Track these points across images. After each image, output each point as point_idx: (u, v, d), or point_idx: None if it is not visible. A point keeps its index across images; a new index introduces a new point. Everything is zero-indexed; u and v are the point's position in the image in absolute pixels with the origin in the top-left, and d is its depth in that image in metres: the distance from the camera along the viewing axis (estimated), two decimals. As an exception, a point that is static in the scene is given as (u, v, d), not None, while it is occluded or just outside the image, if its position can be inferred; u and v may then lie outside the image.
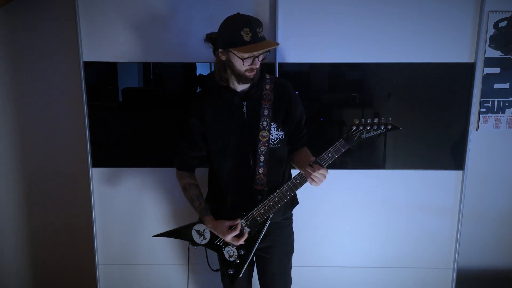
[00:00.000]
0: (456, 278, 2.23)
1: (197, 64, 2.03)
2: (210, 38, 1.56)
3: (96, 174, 2.13)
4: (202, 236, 1.73)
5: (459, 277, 2.28)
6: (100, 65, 2.01)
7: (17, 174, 2.33)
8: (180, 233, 1.79)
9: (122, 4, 1.95)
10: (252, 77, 1.54)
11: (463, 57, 2.00)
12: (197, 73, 2.06)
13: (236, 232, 1.60)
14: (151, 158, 2.12)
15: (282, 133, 1.65)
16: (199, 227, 1.73)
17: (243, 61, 1.49)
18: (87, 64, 2.00)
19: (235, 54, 1.49)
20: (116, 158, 2.12)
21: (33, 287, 2.50)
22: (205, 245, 1.75)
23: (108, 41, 1.98)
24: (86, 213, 2.25)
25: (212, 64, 2.04)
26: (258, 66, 1.53)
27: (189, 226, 1.75)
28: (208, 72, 2.05)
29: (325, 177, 1.52)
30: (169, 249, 2.23)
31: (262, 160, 1.61)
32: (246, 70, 1.52)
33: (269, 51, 1.54)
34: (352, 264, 2.25)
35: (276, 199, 1.58)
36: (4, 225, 2.40)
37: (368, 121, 1.50)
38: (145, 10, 1.95)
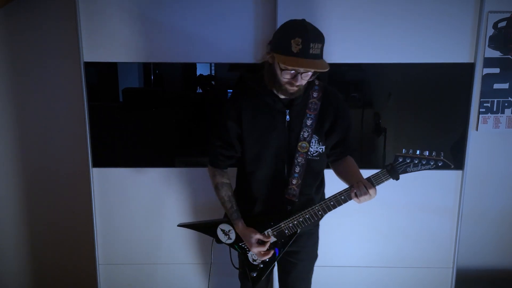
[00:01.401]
0: (455, 278, 2.24)
1: (197, 64, 2.04)
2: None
3: (97, 174, 2.13)
4: (227, 236, 1.71)
5: (458, 277, 2.28)
6: (101, 65, 2.01)
7: (17, 173, 2.33)
8: (205, 228, 1.75)
9: (123, 4, 1.95)
10: (292, 91, 1.43)
11: (462, 57, 2.00)
12: (197, 73, 2.06)
13: (264, 249, 1.58)
14: (151, 158, 2.12)
15: (323, 147, 1.57)
16: (225, 226, 1.70)
17: (281, 72, 1.39)
18: (88, 64, 2.00)
19: (277, 62, 1.39)
20: (116, 158, 2.13)
21: (33, 287, 2.50)
22: (230, 245, 1.73)
23: (108, 41, 1.98)
24: (86, 213, 2.25)
25: (213, 64, 2.05)
26: (300, 83, 1.40)
27: (215, 223, 1.72)
28: (208, 72, 2.06)
29: (370, 196, 1.43)
30: (170, 248, 2.23)
31: (297, 171, 1.55)
32: (286, 83, 1.41)
33: (316, 73, 1.41)
34: (352, 263, 2.25)
35: (307, 216, 1.54)
36: (4, 225, 2.40)
37: (417, 153, 1.37)
38: (146, 10, 1.95)
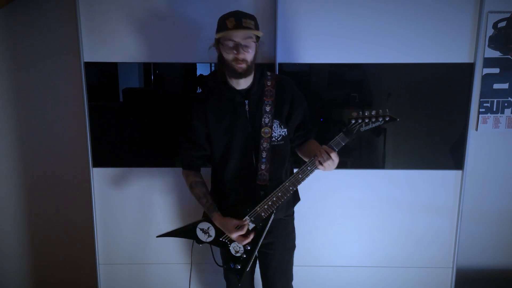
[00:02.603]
0: (455, 278, 2.24)
1: (197, 64, 2.04)
2: None
3: (97, 174, 2.13)
4: (207, 234, 1.74)
5: (458, 277, 2.28)
6: (101, 65, 2.02)
7: (17, 173, 2.33)
8: (184, 232, 1.79)
9: (123, 4, 1.95)
10: (240, 70, 1.54)
11: (462, 57, 2.00)
12: (197, 73, 2.06)
13: (242, 232, 1.62)
14: (151, 158, 2.13)
15: (285, 130, 1.67)
16: (203, 225, 1.74)
17: (225, 50, 1.52)
18: (88, 64, 2.00)
19: (220, 43, 1.54)
20: (116, 158, 2.13)
21: (33, 287, 2.51)
22: (210, 243, 1.75)
23: (108, 41, 1.98)
24: (86, 212, 2.25)
25: (213, 64, 2.05)
26: (242, 55, 1.52)
27: (193, 225, 1.76)
28: (209, 72, 2.06)
29: (333, 161, 1.50)
30: (170, 248, 2.23)
31: (264, 156, 1.63)
32: (232, 60, 1.53)
33: (254, 40, 1.54)
34: (352, 263, 2.25)
35: (279, 194, 1.59)
36: (5, 225, 2.41)
37: (366, 114, 1.50)
38: (146, 10, 1.96)
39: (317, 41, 1.99)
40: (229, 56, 1.54)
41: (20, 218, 2.40)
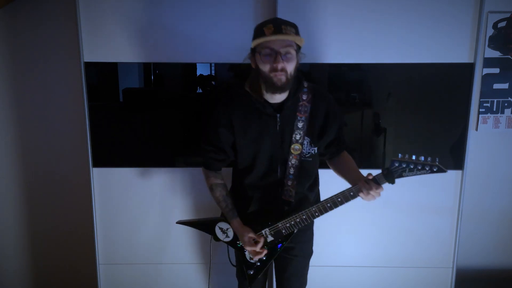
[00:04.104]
0: (455, 278, 2.24)
1: (197, 64, 2.04)
2: None
3: (97, 174, 2.13)
4: (225, 234, 1.73)
5: (458, 277, 2.28)
6: (101, 65, 2.01)
7: (17, 173, 2.33)
8: (204, 225, 1.77)
9: (123, 5, 1.95)
10: (279, 83, 1.40)
11: (462, 57, 2.00)
12: (197, 73, 2.06)
13: (256, 248, 1.60)
14: (151, 158, 2.13)
15: (315, 148, 1.59)
16: (223, 225, 1.72)
17: (262, 60, 1.39)
18: (88, 65, 2.00)
19: (257, 53, 1.41)
20: (116, 158, 2.13)
21: (34, 287, 2.51)
22: (227, 243, 1.75)
23: (108, 41, 1.98)
24: (86, 212, 2.25)
25: (213, 65, 2.05)
26: (281, 65, 1.38)
27: (213, 221, 1.74)
28: (208, 72, 2.06)
29: (379, 195, 1.47)
30: (170, 248, 2.23)
31: (292, 172, 1.57)
32: (270, 71, 1.40)
33: (295, 49, 1.40)
34: (352, 263, 2.25)
35: (303, 217, 1.56)
36: (4, 225, 2.40)
37: (413, 158, 1.38)
38: (146, 10, 1.96)
39: (317, 41, 1.98)
40: (266, 67, 1.39)
41: (20, 218, 2.40)
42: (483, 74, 2.17)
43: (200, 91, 2.09)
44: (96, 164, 2.12)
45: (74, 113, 2.20)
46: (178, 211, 2.18)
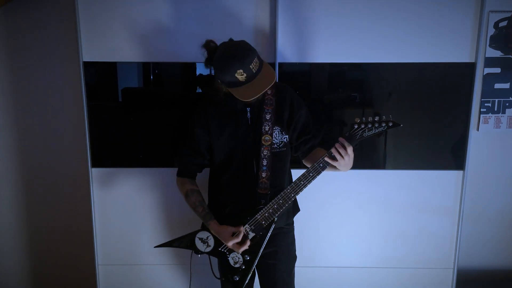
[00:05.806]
0: (456, 278, 2.23)
1: (197, 64, 2.03)
2: (209, 49, 1.55)
3: (96, 174, 2.13)
4: (206, 244, 1.72)
5: (459, 277, 2.28)
6: (100, 65, 2.01)
7: (17, 173, 2.33)
8: (182, 242, 1.77)
9: (122, 4, 1.94)
10: (251, 102, 1.55)
11: (463, 57, 2.00)
12: (197, 73, 2.05)
13: (238, 240, 1.59)
14: (151, 158, 2.12)
15: (287, 136, 1.66)
16: (202, 234, 1.72)
17: (232, 92, 1.49)
18: (87, 64, 2.00)
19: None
20: (115, 158, 2.12)
21: (33, 287, 2.50)
22: (209, 253, 1.73)
23: (107, 41, 1.97)
24: (85, 213, 2.25)
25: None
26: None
27: (192, 234, 1.74)
28: (208, 72, 2.05)
29: (349, 156, 1.49)
30: (169, 249, 2.22)
31: (265, 164, 1.62)
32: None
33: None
34: (352, 264, 2.25)
35: (280, 201, 1.58)
36: (4, 225, 2.40)
37: (369, 119, 1.49)
38: (145, 10, 1.95)
39: (317, 41, 1.98)
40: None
41: (19, 218, 2.40)
42: (484, 73, 2.17)
43: (200, 91, 2.09)
44: (95, 164, 2.11)
45: (73, 113, 2.20)
46: (178, 211, 2.17)
